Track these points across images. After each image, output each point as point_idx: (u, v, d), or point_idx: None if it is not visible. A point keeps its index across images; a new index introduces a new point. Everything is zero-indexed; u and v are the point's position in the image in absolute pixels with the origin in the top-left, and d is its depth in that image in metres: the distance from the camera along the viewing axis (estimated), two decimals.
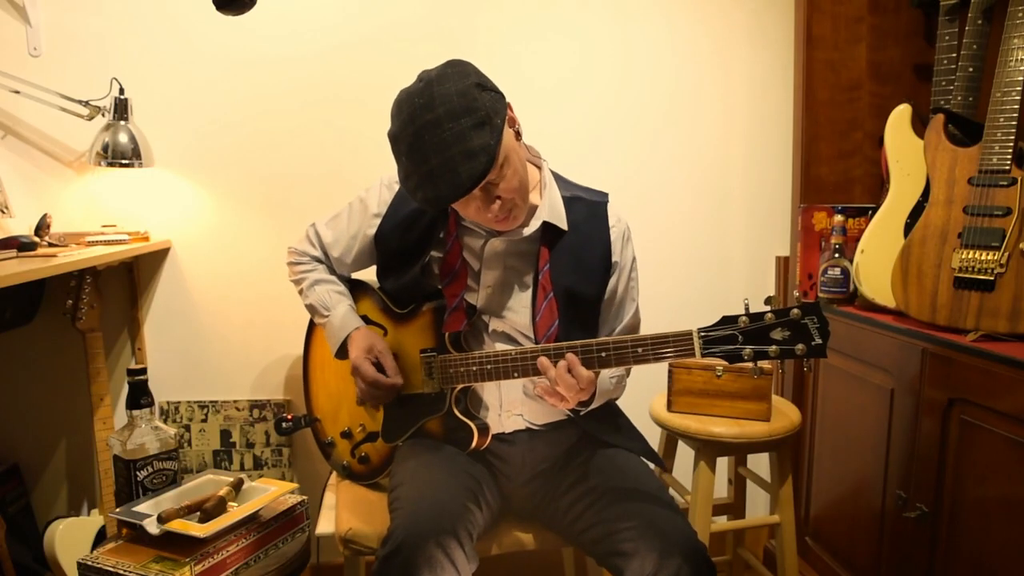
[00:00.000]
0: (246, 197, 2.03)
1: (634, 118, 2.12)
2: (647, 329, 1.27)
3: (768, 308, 1.13)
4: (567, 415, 1.42)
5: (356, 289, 1.59)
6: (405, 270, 1.46)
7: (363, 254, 1.54)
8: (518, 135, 1.32)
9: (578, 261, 1.40)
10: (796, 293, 1.18)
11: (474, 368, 1.34)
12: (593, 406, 1.35)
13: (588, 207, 1.44)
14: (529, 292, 1.41)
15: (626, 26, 2.08)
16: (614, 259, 1.43)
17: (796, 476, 2.02)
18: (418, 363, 1.42)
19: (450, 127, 1.17)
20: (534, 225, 1.38)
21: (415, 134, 1.19)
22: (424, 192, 1.21)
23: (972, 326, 1.52)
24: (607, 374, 1.37)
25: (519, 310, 1.41)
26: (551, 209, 1.39)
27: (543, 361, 1.24)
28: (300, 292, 1.58)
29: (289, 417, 1.67)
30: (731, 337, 1.14)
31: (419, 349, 1.42)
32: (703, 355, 1.15)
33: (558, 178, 1.46)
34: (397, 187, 1.48)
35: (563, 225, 1.40)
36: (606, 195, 1.48)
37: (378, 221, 1.48)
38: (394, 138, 1.26)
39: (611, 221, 1.44)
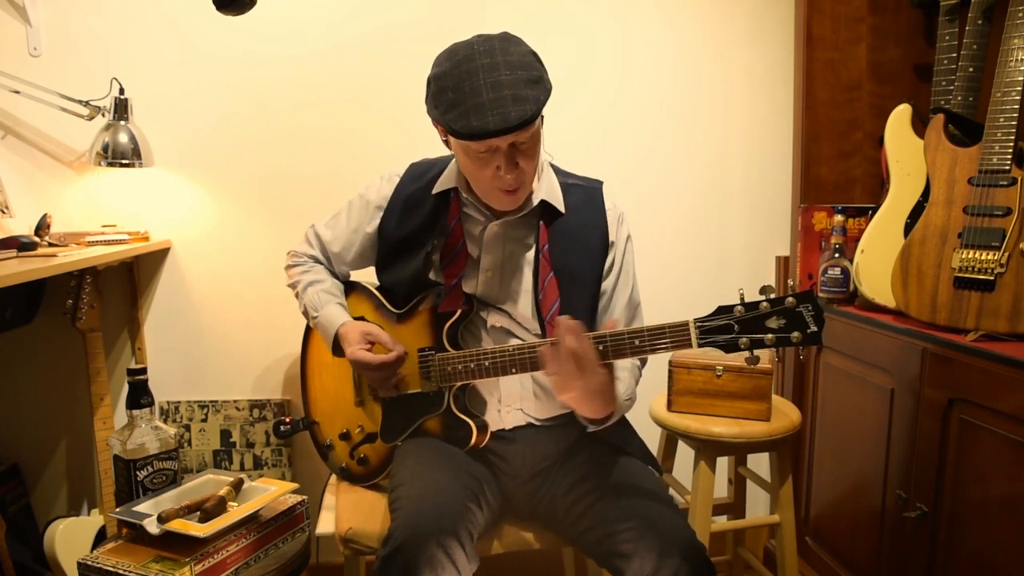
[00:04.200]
0: (246, 197, 2.03)
1: (634, 118, 2.12)
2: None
3: (763, 297, 1.13)
4: (567, 409, 1.42)
5: (352, 290, 1.59)
6: (406, 260, 1.47)
7: (364, 249, 1.55)
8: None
9: (577, 243, 1.43)
10: (791, 282, 1.18)
11: (472, 365, 1.34)
12: (609, 423, 1.33)
13: (584, 192, 1.48)
14: (529, 276, 1.42)
15: (626, 26, 2.08)
16: (611, 239, 1.46)
17: (796, 476, 2.02)
18: (415, 362, 1.42)
19: (507, 73, 1.23)
20: (533, 202, 1.42)
21: (470, 71, 1.23)
22: (470, 121, 1.22)
23: (972, 326, 1.52)
24: (622, 395, 1.36)
25: (519, 294, 1.43)
26: (548, 191, 1.43)
27: (545, 352, 1.21)
28: (296, 296, 1.59)
29: (287, 420, 1.67)
30: (727, 327, 1.14)
31: (416, 348, 1.43)
32: (700, 345, 1.15)
33: (554, 168, 1.51)
34: (397, 179, 1.52)
35: (560, 207, 1.43)
36: (601, 182, 1.52)
37: (380, 214, 1.51)
38: (440, 76, 1.27)
39: (607, 205, 1.48)
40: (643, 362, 1.51)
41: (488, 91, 1.21)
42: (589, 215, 1.46)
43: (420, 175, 1.51)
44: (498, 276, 1.43)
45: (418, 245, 1.46)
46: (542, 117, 1.34)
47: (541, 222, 1.43)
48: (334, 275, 1.60)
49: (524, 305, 1.43)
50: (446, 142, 1.38)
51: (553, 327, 1.37)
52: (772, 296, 1.12)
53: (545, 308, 1.39)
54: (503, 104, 1.21)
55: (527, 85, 1.23)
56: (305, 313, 1.56)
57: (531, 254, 1.43)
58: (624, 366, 1.43)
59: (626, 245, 1.50)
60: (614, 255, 1.47)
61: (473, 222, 1.45)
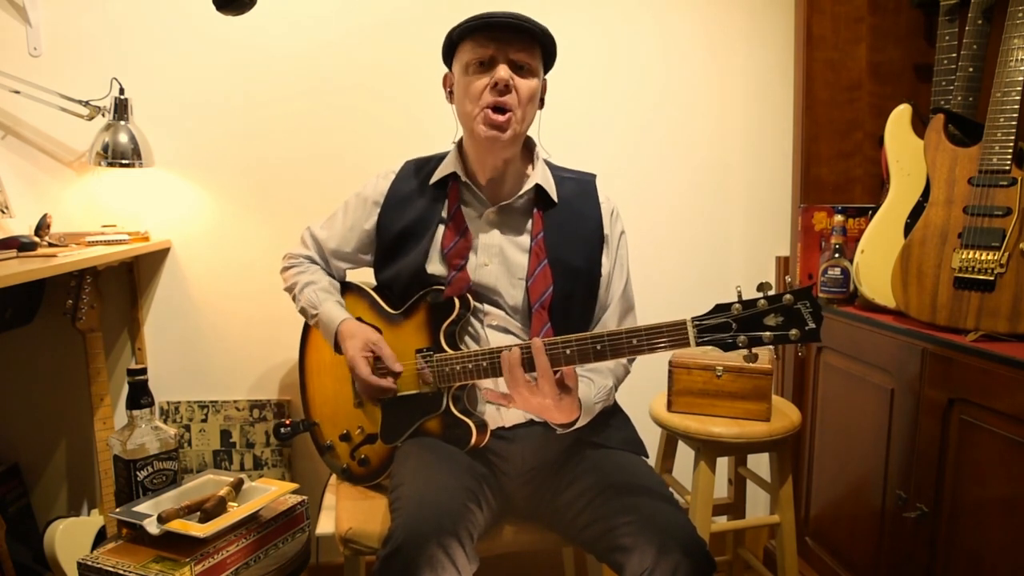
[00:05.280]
0: (246, 197, 2.03)
1: (633, 119, 2.12)
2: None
3: (761, 295, 1.13)
4: None
5: (348, 291, 1.60)
6: (405, 254, 1.48)
7: (362, 245, 1.57)
8: (542, 101, 1.45)
9: (571, 234, 1.46)
10: (789, 279, 1.18)
11: (470, 366, 1.34)
12: (578, 425, 1.35)
13: (578, 184, 1.52)
14: (523, 264, 1.44)
15: (625, 26, 2.08)
16: (605, 232, 1.49)
17: (796, 476, 2.02)
18: (414, 363, 1.43)
19: (523, 15, 1.35)
20: (526, 186, 1.45)
21: (490, 11, 1.35)
22: (479, 14, 1.35)
23: (972, 326, 1.52)
24: (591, 398, 1.37)
25: (513, 283, 1.44)
26: (543, 178, 1.47)
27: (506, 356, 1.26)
28: (293, 298, 1.60)
29: (287, 422, 1.67)
30: (725, 325, 1.14)
31: (415, 349, 1.43)
32: (698, 344, 1.15)
33: (548, 164, 1.53)
34: (393, 176, 1.55)
35: (554, 195, 1.47)
36: (594, 175, 1.55)
37: (378, 210, 1.53)
38: (459, 24, 1.38)
39: (601, 198, 1.51)
40: (630, 360, 1.52)
41: (502, 11, 1.35)
42: (583, 206, 1.49)
43: (416, 169, 1.54)
44: (494, 264, 1.45)
45: (417, 237, 1.47)
46: (543, 99, 1.44)
47: (536, 210, 1.45)
48: (330, 275, 1.61)
49: (517, 296, 1.44)
50: (450, 94, 1.45)
51: (540, 316, 1.38)
52: (770, 294, 1.12)
53: (534, 296, 1.41)
54: (513, 12, 1.34)
55: (539, 25, 1.36)
56: (303, 312, 1.57)
57: (526, 241, 1.45)
58: (597, 368, 1.44)
59: (620, 240, 1.52)
60: (608, 251, 1.49)
61: (471, 209, 1.48)
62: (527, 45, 1.37)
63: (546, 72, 1.45)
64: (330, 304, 1.52)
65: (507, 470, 1.44)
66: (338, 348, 1.49)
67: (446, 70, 1.49)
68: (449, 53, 1.45)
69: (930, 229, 1.60)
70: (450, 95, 1.46)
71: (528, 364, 1.24)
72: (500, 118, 1.36)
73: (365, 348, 1.43)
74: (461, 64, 1.39)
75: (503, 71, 1.34)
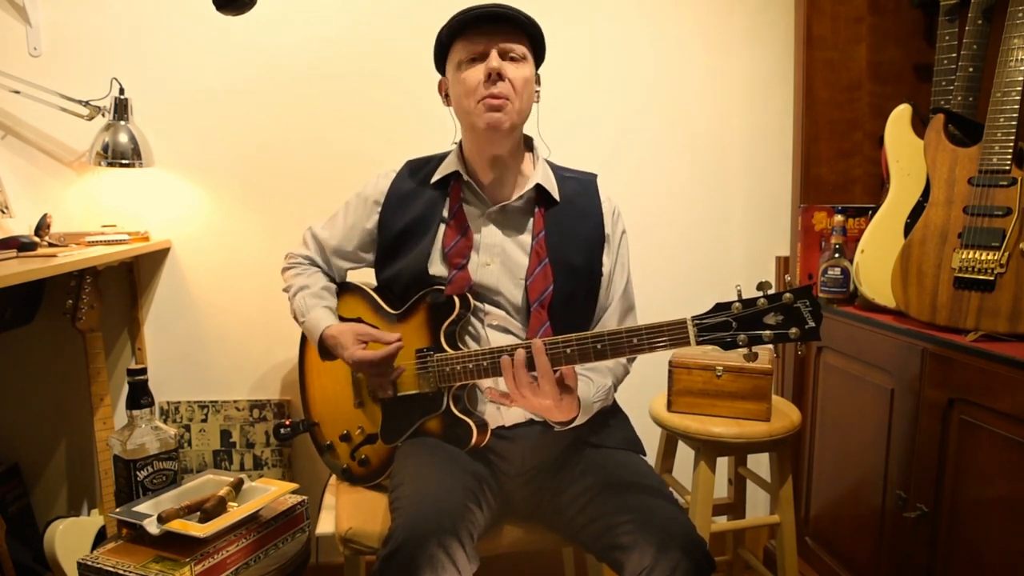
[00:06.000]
0: (246, 197, 2.03)
1: (632, 120, 2.11)
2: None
3: (761, 294, 1.13)
4: None
5: (347, 291, 1.60)
6: (406, 252, 1.48)
7: (363, 244, 1.57)
8: (537, 95, 1.46)
9: (572, 233, 1.46)
10: (788, 278, 1.18)
11: (470, 366, 1.34)
12: (575, 424, 1.35)
13: (579, 184, 1.52)
14: (523, 263, 1.44)
15: (624, 28, 2.08)
16: (607, 231, 1.49)
17: (796, 476, 2.02)
18: (414, 363, 1.43)
19: (506, 4, 1.37)
20: (528, 186, 1.46)
21: (473, 5, 1.37)
22: (462, 9, 1.36)
23: (972, 326, 1.52)
24: (590, 397, 1.38)
25: (514, 283, 1.44)
26: (544, 178, 1.47)
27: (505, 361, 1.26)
28: (289, 300, 1.60)
29: (287, 423, 1.67)
30: (725, 324, 1.14)
31: (415, 349, 1.43)
32: (698, 343, 1.15)
33: (550, 164, 1.54)
34: (394, 175, 1.55)
35: (555, 195, 1.47)
36: (595, 175, 1.56)
37: (378, 209, 1.53)
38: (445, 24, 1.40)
39: (602, 197, 1.52)
40: (630, 360, 1.52)
41: (485, 2, 1.38)
42: (584, 205, 1.49)
43: (417, 169, 1.54)
44: (495, 263, 1.45)
45: (418, 236, 1.47)
46: (538, 93, 1.45)
47: (537, 209, 1.46)
48: (330, 277, 1.61)
49: (518, 295, 1.44)
50: (446, 98, 1.46)
51: (539, 315, 1.38)
52: (769, 292, 1.13)
53: (533, 295, 1.41)
54: (494, 3, 1.36)
55: (523, 13, 1.38)
56: (295, 317, 1.57)
57: (527, 241, 1.46)
58: (596, 367, 1.45)
59: (621, 240, 1.52)
60: (609, 250, 1.49)
61: (473, 208, 1.48)
62: (515, 34, 1.38)
63: (539, 65, 1.46)
64: (317, 311, 1.51)
65: (507, 470, 1.44)
66: (324, 355, 1.49)
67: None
68: (441, 58, 1.45)
69: (930, 229, 1.60)
70: (446, 98, 1.47)
71: (528, 364, 1.24)
72: (497, 100, 1.36)
73: (357, 343, 1.43)
74: (454, 64, 1.40)
75: (495, 60, 1.35)
